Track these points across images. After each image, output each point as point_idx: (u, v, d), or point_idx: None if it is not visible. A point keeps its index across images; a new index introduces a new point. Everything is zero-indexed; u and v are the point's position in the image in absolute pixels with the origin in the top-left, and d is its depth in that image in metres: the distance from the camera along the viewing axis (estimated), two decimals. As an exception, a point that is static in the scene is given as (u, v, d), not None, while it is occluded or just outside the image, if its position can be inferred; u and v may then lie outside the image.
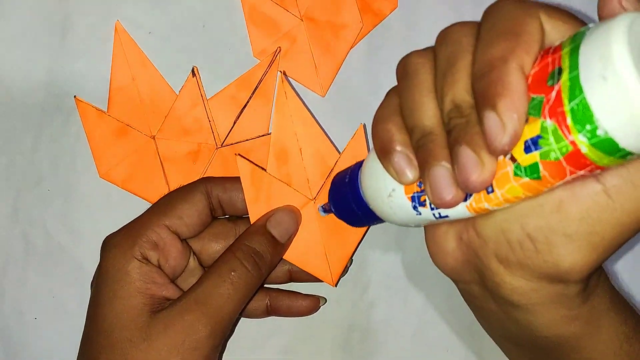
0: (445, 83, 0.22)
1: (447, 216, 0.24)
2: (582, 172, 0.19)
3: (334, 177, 0.31)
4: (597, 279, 0.25)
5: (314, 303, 0.36)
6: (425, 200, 0.24)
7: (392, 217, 0.26)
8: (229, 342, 0.37)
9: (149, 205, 0.36)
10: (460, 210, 0.23)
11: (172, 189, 0.36)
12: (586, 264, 0.21)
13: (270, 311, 0.35)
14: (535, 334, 0.25)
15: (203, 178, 0.33)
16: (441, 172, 0.21)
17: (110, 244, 0.31)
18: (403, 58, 0.25)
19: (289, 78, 0.38)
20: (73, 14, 0.38)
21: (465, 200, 0.22)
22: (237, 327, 0.37)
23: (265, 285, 0.36)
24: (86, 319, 0.31)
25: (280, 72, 0.34)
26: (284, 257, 0.34)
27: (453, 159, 0.21)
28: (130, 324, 0.29)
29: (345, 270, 0.36)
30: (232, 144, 0.37)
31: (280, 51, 0.37)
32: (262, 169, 0.33)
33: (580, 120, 0.18)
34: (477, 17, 0.38)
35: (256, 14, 0.38)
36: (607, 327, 0.25)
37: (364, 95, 0.38)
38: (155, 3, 0.38)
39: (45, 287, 0.37)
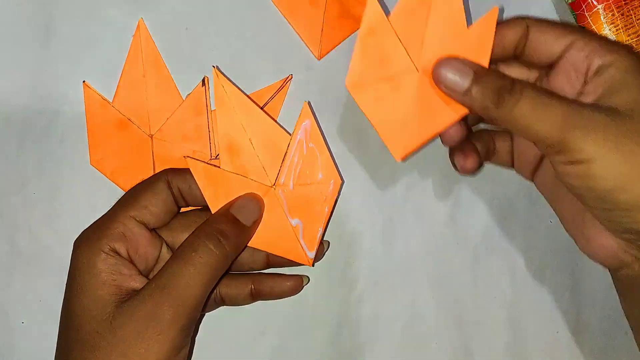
0: None
1: None
2: None
3: None
4: None
5: (297, 282, 0.36)
6: None
7: None
8: (219, 343, 0.37)
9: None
10: None
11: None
12: None
13: (254, 295, 0.36)
14: None
15: (165, 169, 0.34)
16: None
17: (79, 241, 0.31)
18: None
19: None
20: (56, 17, 0.38)
21: None
22: (226, 327, 0.37)
23: (248, 273, 0.36)
24: (59, 317, 0.31)
25: (214, 67, 0.34)
26: (256, 247, 0.34)
27: None
28: (97, 316, 0.29)
29: (322, 253, 0.37)
30: (226, 158, 0.37)
31: (291, 78, 0.38)
32: (216, 165, 0.33)
33: None
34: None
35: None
36: None
37: (346, 92, 0.38)
38: (139, 4, 0.38)
39: (31, 291, 0.37)
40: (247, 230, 0.33)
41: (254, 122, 0.33)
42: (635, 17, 0.35)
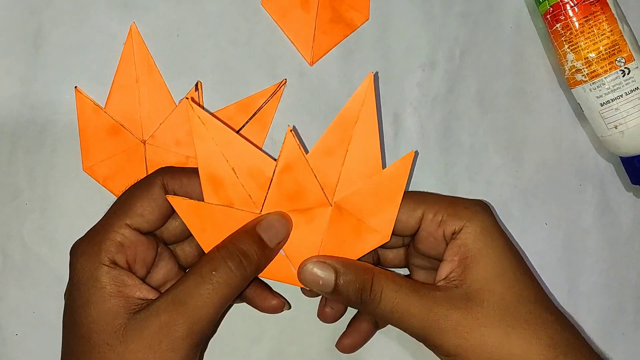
0: None
1: None
2: None
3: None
4: None
5: (280, 305, 0.35)
6: None
7: None
8: (215, 348, 0.37)
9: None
10: None
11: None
12: None
13: (240, 296, 0.35)
14: None
15: (159, 170, 0.33)
16: None
17: (77, 252, 0.30)
18: None
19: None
20: (46, 25, 0.37)
21: None
22: (222, 332, 0.37)
23: None
24: (63, 329, 0.30)
25: (188, 98, 0.33)
26: None
27: None
28: (106, 327, 0.28)
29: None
30: (220, 163, 0.37)
31: (285, 83, 0.38)
32: (199, 200, 0.32)
33: None
34: (448, 24, 0.40)
35: None
36: None
37: (339, 97, 0.39)
38: (130, 10, 0.38)
39: (25, 302, 0.36)
40: (270, 252, 0.32)
41: (235, 151, 0.32)
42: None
